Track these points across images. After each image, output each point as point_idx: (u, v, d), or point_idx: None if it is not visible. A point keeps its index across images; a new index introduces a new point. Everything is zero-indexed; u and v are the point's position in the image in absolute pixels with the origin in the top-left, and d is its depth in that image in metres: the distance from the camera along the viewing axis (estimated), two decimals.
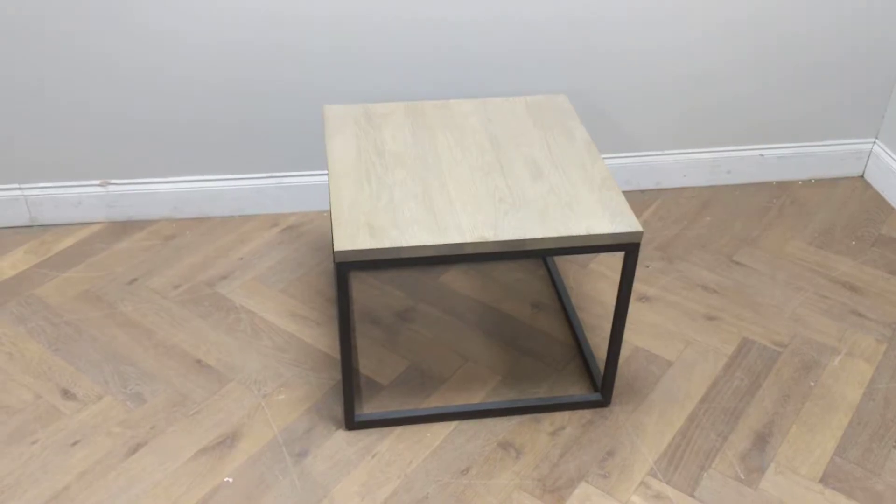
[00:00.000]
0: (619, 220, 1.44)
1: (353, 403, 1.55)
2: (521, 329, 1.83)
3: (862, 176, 2.37)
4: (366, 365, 1.73)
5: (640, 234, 1.43)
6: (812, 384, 1.71)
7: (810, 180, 2.35)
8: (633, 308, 1.90)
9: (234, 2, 1.85)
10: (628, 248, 1.45)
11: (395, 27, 1.93)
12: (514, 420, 1.62)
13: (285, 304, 1.88)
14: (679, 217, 2.19)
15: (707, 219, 2.19)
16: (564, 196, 1.50)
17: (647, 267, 2.02)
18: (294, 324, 1.82)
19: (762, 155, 2.28)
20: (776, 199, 2.28)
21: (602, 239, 1.42)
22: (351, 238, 1.39)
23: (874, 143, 2.31)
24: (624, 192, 2.28)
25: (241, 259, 2.01)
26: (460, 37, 1.97)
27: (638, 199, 2.26)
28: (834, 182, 2.35)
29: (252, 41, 1.91)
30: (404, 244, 1.38)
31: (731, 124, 2.22)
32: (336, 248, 1.36)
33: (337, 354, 1.75)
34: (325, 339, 1.79)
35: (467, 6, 1.92)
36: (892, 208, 2.24)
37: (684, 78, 2.12)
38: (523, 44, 2.00)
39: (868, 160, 2.34)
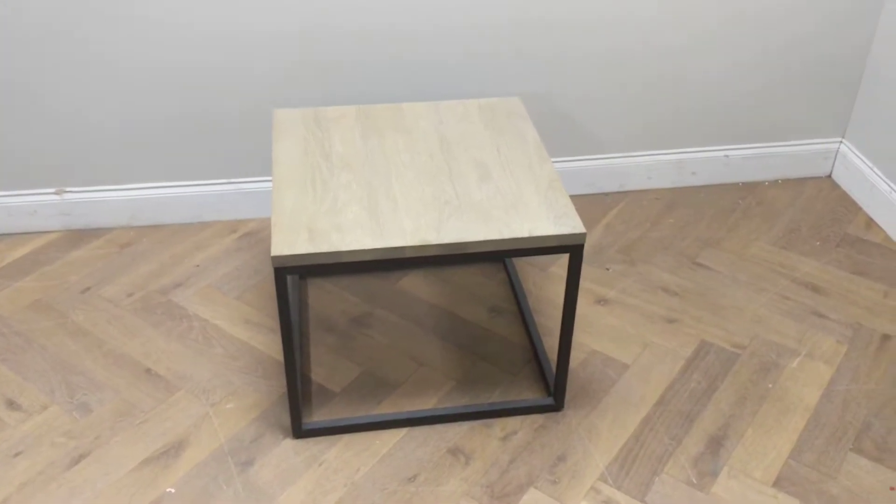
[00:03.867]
0: (562, 222, 1.42)
1: (299, 411, 1.53)
2: (478, 333, 1.81)
3: (829, 176, 2.35)
4: (318, 372, 1.71)
5: (583, 235, 1.41)
6: (770, 386, 1.69)
7: (777, 181, 2.34)
8: (592, 311, 1.87)
9: (190, 13, 1.83)
10: (572, 249, 1.43)
11: (352, 34, 1.91)
12: (466, 426, 1.60)
13: (240, 312, 1.85)
14: (642, 219, 2.17)
15: (670, 221, 2.17)
16: (510, 198, 1.48)
17: (608, 269, 2.00)
18: (247, 331, 1.80)
19: (727, 156, 2.27)
20: (742, 199, 2.26)
21: (545, 241, 1.40)
22: (289, 243, 1.37)
23: (841, 142, 2.30)
24: (587, 195, 2.26)
25: (198, 266, 1.99)
26: (418, 42, 1.95)
27: (601, 202, 2.24)
28: (801, 182, 2.33)
29: (210, 47, 1.89)
30: (344, 248, 1.36)
31: (696, 125, 2.21)
32: (273, 253, 1.34)
33: None
34: (277, 347, 1.76)
35: (427, 12, 1.91)
36: (859, 208, 2.22)
37: (648, 79, 2.11)
38: (481, 47, 1.98)
39: (835, 160, 2.32)
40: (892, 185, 2.10)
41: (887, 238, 2.11)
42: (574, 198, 2.25)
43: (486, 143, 1.65)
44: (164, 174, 2.06)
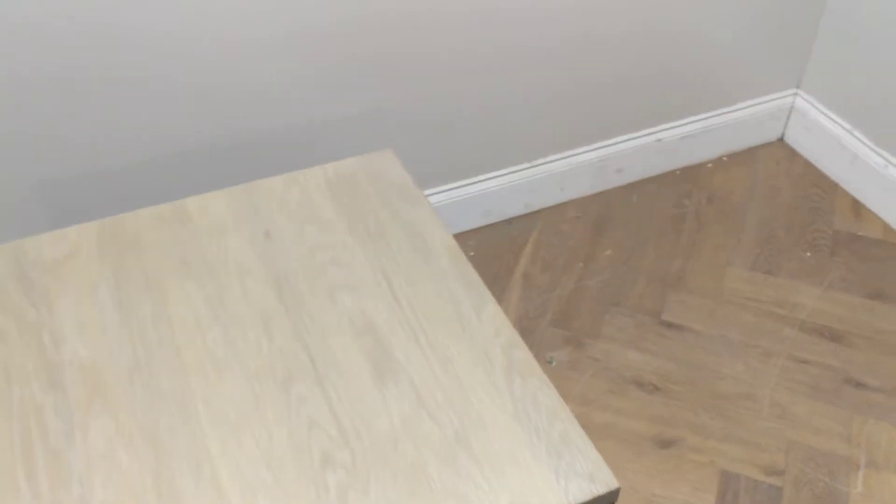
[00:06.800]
0: (567, 464, 0.71)
1: None
2: None
3: (781, 139, 1.77)
4: None
5: (615, 492, 0.71)
6: None
7: (721, 158, 1.72)
8: None
9: None
10: None
11: (70, 79, 1.04)
12: None
13: None
14: (569, 258, 1.50)
15: (607, 253, 1.51)
16: (444, 414, 0.75)
17: (551, 363, 1.33)
18: None
19: (660, 140, 1.62)
20: (687, 198, 1.63)
21: None
22: None
23: (796, 94, 1.70)
24: (484, 228, 1.55)
25: None
26: (199, 68, 1.11)
27: (505, 236, 1.54)
28: (750, 155, 1.73)
29: None
30: None
31: (614, 107, 1.53)
32: None
33: None
34: None
35: (207, 22, 1.07)
36: (834, 183, 1.66)
37: (542, 56, 1.38)
38: (301, 61, 1.18)
39: (789, 118, 1.73)
40: (887, 157, 1.54)
41: (888, 228, 1.57)
42: (469, 234, 1.53)
43: (362, 268, 0.89)
44: None
